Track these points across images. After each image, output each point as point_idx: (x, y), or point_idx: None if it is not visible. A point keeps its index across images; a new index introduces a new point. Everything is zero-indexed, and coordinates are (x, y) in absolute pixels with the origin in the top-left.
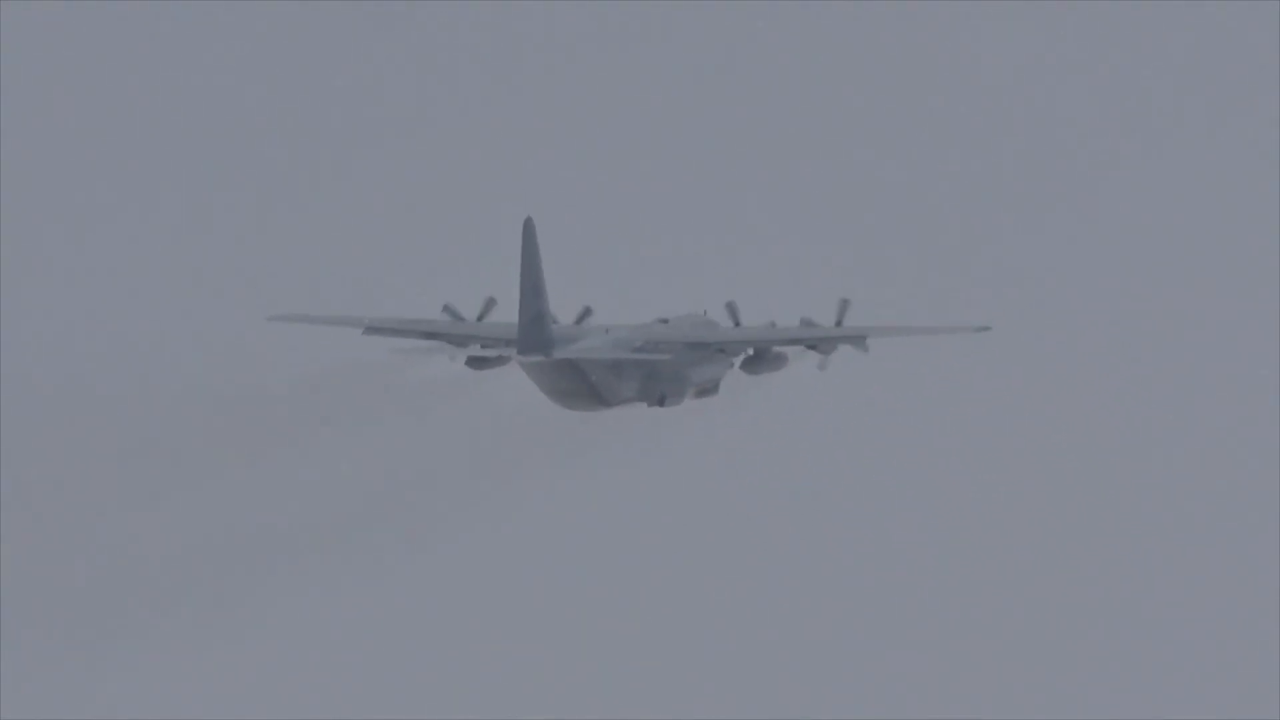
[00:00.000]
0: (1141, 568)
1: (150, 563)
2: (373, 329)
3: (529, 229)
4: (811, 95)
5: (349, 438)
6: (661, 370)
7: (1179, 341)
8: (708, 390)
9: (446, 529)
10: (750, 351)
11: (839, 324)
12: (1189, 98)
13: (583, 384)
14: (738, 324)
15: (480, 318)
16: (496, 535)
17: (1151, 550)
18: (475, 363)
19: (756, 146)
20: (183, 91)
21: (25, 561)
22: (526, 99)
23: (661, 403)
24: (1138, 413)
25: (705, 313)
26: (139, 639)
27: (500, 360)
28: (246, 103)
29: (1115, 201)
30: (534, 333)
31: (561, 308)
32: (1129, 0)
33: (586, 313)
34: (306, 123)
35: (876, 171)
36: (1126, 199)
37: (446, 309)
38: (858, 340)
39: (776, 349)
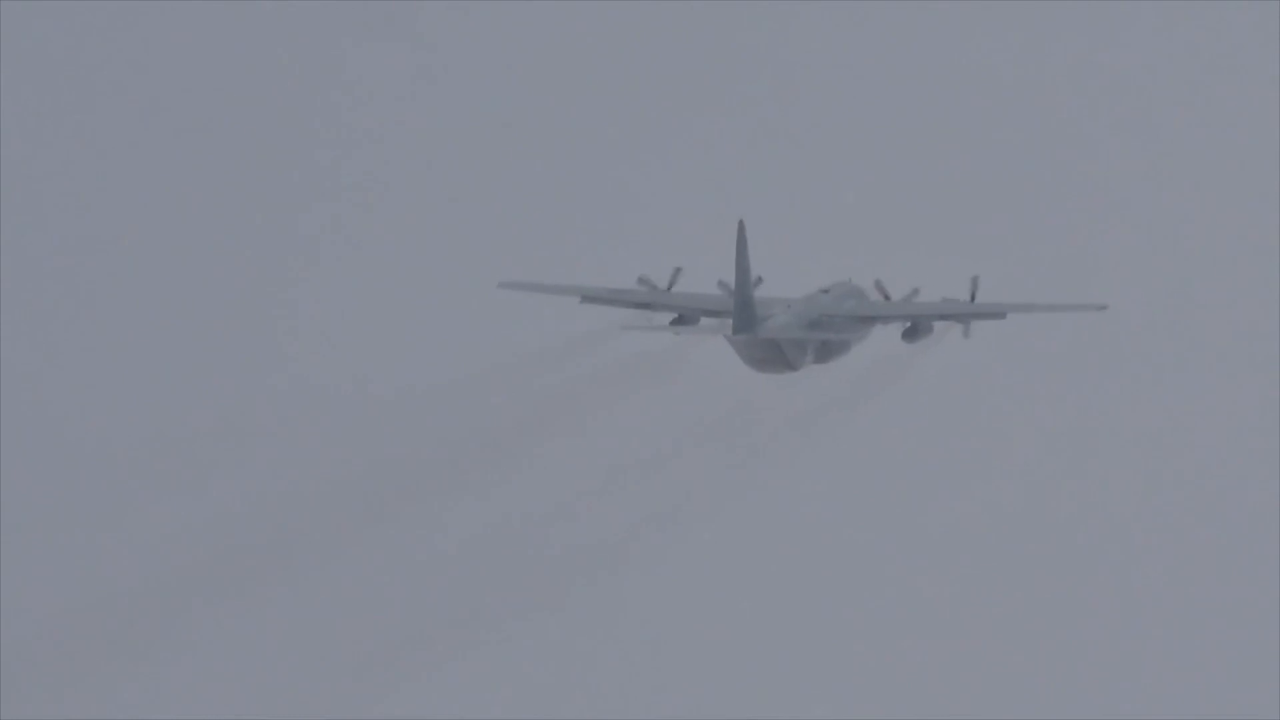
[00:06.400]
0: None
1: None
2: (589, 298)
3: (741, 230)
4: (936, 94)
5: (593, 408)
6: (833, 341)
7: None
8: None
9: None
10: (908, 324)
11: (973, 299)
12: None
13: (778, 355)
14: (887, 297)
15: (670, 286)
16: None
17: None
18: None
19: (883, 138)
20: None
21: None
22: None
23: (828, 362)
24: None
25: (850, 279)
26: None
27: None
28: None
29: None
30: (743, 315)
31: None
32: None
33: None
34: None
35: (998, 158)
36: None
37: (642, 280)
38: (996, 314)
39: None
